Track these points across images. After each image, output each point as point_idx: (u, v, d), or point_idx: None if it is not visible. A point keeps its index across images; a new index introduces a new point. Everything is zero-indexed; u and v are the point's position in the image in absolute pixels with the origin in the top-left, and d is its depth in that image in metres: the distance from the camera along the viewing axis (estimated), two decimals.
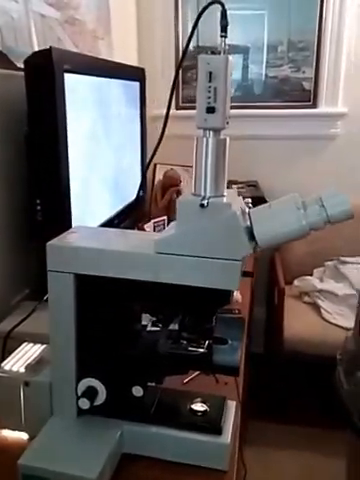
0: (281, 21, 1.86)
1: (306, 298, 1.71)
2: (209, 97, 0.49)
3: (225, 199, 0.52)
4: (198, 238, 0.50)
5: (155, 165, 1.77)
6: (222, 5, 0.49)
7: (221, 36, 0.50)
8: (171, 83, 2.11)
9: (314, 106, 1.91)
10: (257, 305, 1.78)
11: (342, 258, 1.74)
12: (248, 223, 0.51)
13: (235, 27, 1.80)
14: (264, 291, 1.96)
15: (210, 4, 0.51)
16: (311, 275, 1.79)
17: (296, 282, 1.78)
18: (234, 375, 0.58)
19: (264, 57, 1.89)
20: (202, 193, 0.52)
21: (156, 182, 1.66)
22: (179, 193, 1.56)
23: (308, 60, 1.89)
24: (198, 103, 0.49)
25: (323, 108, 1.90)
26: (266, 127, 1.90)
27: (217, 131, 0.51)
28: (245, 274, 0.53)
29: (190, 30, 1.88)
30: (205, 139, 0.51)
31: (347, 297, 1.60)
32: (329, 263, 1.76)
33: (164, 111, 1.96)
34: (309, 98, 1.91)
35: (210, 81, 0.48)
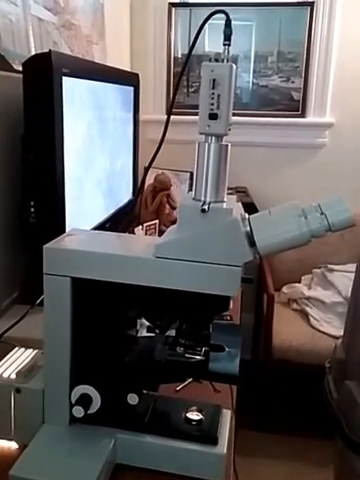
0: (271, 32, 1.89)
1: (294, 305, 1.73)
2: (212, 104, 0.49)
3: (225, 205, 0.52)
4: (198, 243, 0.50)
5: (146, 169, 1.77)
6: (226, 14, 0.50)
7: (224, 44, 0.50)
8: (163, 89, 2.13)
9: (303, 116, 1.95)
10: (245, 311, 1.79)
11: (330, 266, 1.76)
12: (248, 229, 0.51)
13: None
14: (252, 297, 1.97)
15: (214, 13, 0.51)
16: (299, 282, 1.81)
17: (284, 289, 1.79)
18: (233, 383, 0.57)
19: (251, 67, 1.93)
20: (202, 198, 0.52)
21: (147, 186, 1.65)
22: (169, 197, 1.56)
23: (297, 71, 1.93)
24: (201, 109, 0.49)
25: (311, 118, 1.94)
26: (256, 135, 1.93)
27: (219, 137, 0.51)
28: (244, 280, 0.53)
29: (181, 38, 1.91)
30: (207, 145, 0.51)
31: (335, 305, 1.62)
32: (317, 270, 1.79)
33: (154, 116, 1.99)
34: (298, 108, 1.95)
35: (213, 88, 0.48)
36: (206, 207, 0.49)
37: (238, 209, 0.52)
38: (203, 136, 0.51)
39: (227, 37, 0.50)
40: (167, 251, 0.50)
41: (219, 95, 0.48)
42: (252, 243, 0.50)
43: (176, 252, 0.50)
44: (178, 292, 0.51)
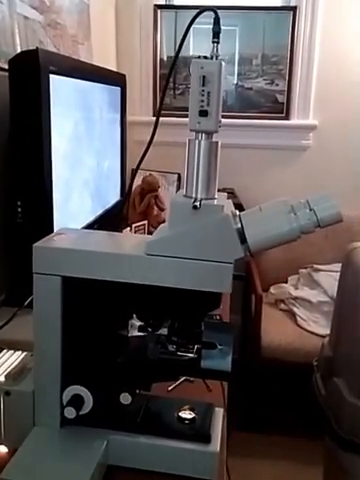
0: (255, 36, 1.92)
1: (282, 305, 1.74)
2: (202, 100, 0.49)
3: (216, 201, 0.52)
4: (190, 240, 0.50)
5: (134, 170, 1.77)
6: (215, 12, 0.50)
7: (213, 42, 0.50)
8: (149, 90, 2.12)
9: (287, 118, 1.97)
10: (232, 312, 1.80)
11: (315, 266, 1.78)
12: (239, 226, 0.51)
13: (208, 41, 1.93)
14: (239, 298, 1.98)
15: (202, 11, 0.51)
16: (286, 282, 1.83)
17: (272, 290, 1.80)
18: (225, 380, 0.57)
19: (235, 70, 1.95)
20: (194, 195, 0.52)
21: (134, 187, 1.65)
22: (157, 198, 1.56)
23: (281, 74, 1.96)
24: (191, 106, 0.49)
25: (295, 120, 1.97)
26: (241, 136, 1.95)
27: (209, 134, 0.51)
28: (235, 277, 0.53)
29: (167, 40, 1.92)
30: (197, 142, 0.51)
31: (321, 304, 1.64)
32: (303, 270, 1.81)
33: (140, 118, 1.98)
34: (282, 110, 1.98)
35: (203, 85, 0.49)
36: (198, 203, 0.49)
37: (229, 206, 0.52)
38: (193, 133, 0.51)
39: (216, 34, 0.50)
40: (158, 248, 0.50)
41: (209, 92, 0.48)
42: (243, 240, 0.50)
43: (167, 249, 0.50)
44: (170, 290, 0.51)
